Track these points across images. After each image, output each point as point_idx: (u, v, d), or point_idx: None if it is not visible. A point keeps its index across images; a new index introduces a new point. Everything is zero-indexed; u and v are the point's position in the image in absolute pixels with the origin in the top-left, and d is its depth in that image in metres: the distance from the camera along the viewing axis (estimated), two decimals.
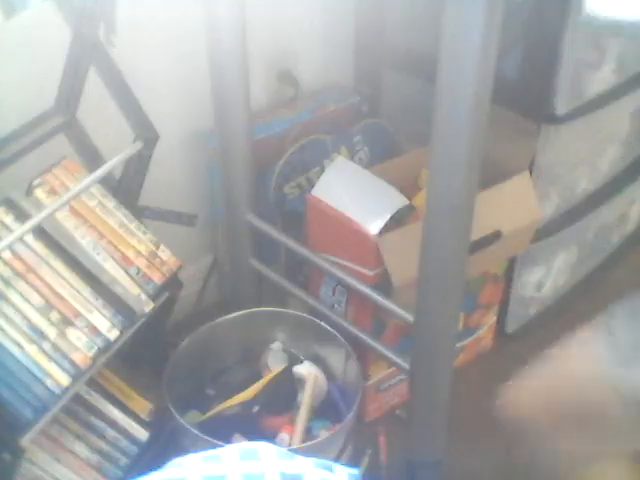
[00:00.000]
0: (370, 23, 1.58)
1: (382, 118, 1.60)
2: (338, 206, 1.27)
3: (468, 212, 1.01)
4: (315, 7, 1.58)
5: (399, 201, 1.27)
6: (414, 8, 1.44)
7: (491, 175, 1.22)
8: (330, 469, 0.67)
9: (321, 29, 1.62)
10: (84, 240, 1.12)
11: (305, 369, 1.31)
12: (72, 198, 1.11)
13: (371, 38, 1.60)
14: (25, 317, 1.03)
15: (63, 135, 1.17)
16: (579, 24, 1.22)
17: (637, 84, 1.44)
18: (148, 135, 1.20)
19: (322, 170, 1.44)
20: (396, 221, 1.25)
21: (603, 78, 1.36)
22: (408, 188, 1.33)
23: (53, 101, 1.14)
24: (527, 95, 1.32)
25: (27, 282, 1.05)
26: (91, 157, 1.20)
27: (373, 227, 1.23)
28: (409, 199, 1.28)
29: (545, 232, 1.48)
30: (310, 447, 1.15)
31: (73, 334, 1.05)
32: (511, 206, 1.32)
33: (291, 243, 1.36)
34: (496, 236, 1.29)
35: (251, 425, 1.24)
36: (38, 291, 1.05)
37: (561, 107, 1.32)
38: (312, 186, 1.33)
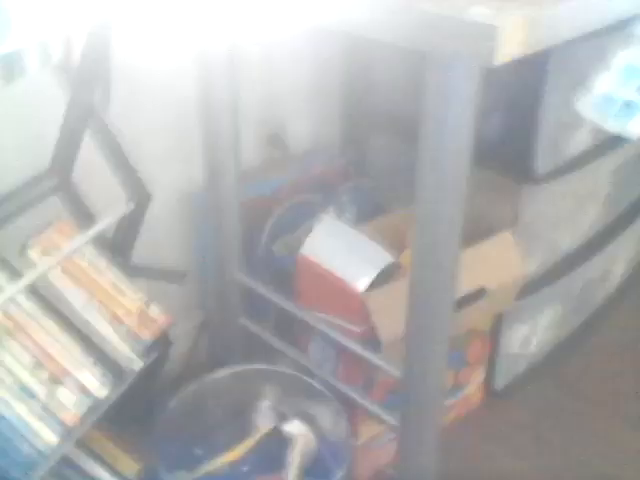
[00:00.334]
0: (356, 88, 1.64)
1: (368, 179, 1.64)
2: (326, 264, 1.29)
3: (452, 269, 1.03)
4: (303, 73, 1.64)
5: (385, 259, 1.29)
6: (398, 74, 1.50)
7: (475, 233, 1.25)
8: None
9: (309, 94, 1.67)
10: (75, 299, 1.14)
11: (294, 428, 1.31)
12: (64, 258, 1.13)
13: (357, 102, 1.65)
14: (15, 376, 1.03)
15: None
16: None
17: (615, 144, 1.49)
18: (141, 196, 1.23)
19: (310, 229, 1.47)
20: (383, 278, 1.28)
21: (581, 139, 1.40)
22: (395, 246, 1.36)
23: (48, 163, 1.17)
24: (508, 156, 1.37)
25: (18, 341, 1.06)
26: (84, 218, 1.22)
27: (360, 284, 1.25)
28: (396, 257, 1.31)
29: (529, 289, 1.51)
30: None
31: (62, 393, 1.06)
32: (495, 263, 1.34)
33: (281, 301, 1.37)
34: (480, 293, 1.31)
35: None
36: (28, 350, 1.06)
37: (541, 167, 1.36)
38: (301, 245, 1.36)
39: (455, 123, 0.91)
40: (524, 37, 0.78)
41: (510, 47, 0.78)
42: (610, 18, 0.92)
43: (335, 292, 1.28)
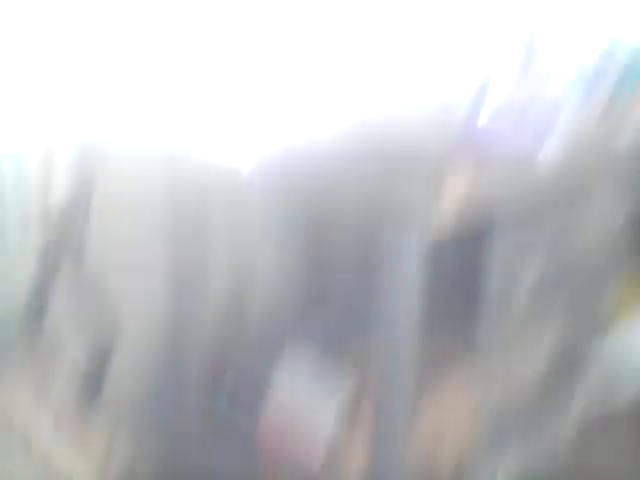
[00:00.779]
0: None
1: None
2: (286, 420, 1.32)
3: (408, 417, 1.08)
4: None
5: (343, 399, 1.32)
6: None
7: (430, 385, 1.29)
8: None
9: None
10: (42, 434, 1.14)
11: None
12: (33, 394, 1.14)
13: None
14: None
15: None
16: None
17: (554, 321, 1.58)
18: (110, 333, 1.25)
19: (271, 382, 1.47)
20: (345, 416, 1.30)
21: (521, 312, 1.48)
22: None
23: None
24: (456, 323, 1.43)
25: None
26: (56, 355, 1.24)
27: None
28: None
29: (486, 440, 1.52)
30: None
31: None
32: (451, 411, 1.38)
33: None
34: (439, 439, 1.33)
35: None
36: None
37: (484, 334, 1.42)
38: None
39: (405, 293, 0.99)
40: (462, 212, 0.86)
41: (450, 222, 0.86)
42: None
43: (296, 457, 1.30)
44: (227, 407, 1.48)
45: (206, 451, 1.44)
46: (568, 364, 1.78)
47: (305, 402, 1.34)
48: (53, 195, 1.18)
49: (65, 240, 1.19)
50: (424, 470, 1.38)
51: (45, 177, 1.14)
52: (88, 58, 1.16)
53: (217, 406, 1.46)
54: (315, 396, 1.35)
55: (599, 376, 1.86)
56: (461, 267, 1.38)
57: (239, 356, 1.49)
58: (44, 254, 1.19)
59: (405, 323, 1.01)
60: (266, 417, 1.36)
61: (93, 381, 1.28)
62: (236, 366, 1.50)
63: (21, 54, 1.11)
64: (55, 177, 1.16)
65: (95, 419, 1.23)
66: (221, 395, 1.47)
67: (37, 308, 1.21)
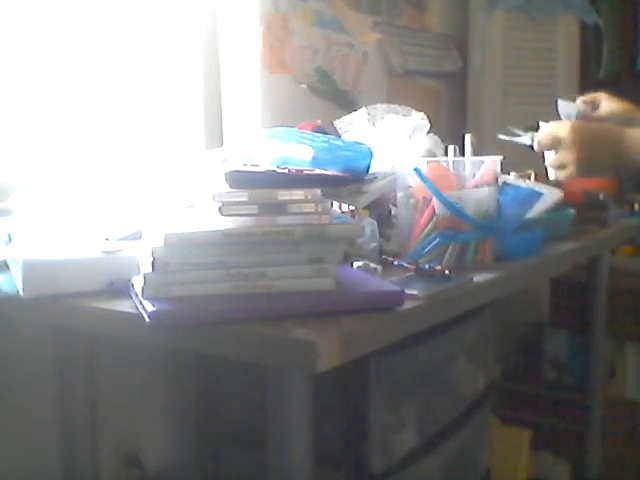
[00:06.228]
0: (209, 403, 1.79)
1: None
2: None
3: None
4: (158, 392, 1.78)
5: None
6: (247, 387, 1.67)
7: None
8: None
9: (164, 411, 1.79)
10: None
11: None
12: None
13: (211, 417, 1.79)
14: None
15: None
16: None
17: (438, 442, 1.69)
18: None
19: None
20: None
21: (407, 439, 1.60)
22: None
23: None
24: (347, 457, 1.52)
25: None
26: None
27: None
28: None
29: None
30: None
31: None
32: None
33: None
34: None
35: None
36: None
37: (377, 467, 1.51)
38: None
39: (295, 425, 1.07)
40: (339, 349, 1.00)
41: (329, 358, 0.99)
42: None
43: None
44: None
45: None
46: None
47: None
48: None
49: None
50: None
51: None
52: None
53: None
54: None
55: None
56: (347, 400, 1.48)
57: None
58: None
59: (299, 461, 1.07)
60: None
61: None
62: None
63: None
64: None
65: None
66: None
67: None
